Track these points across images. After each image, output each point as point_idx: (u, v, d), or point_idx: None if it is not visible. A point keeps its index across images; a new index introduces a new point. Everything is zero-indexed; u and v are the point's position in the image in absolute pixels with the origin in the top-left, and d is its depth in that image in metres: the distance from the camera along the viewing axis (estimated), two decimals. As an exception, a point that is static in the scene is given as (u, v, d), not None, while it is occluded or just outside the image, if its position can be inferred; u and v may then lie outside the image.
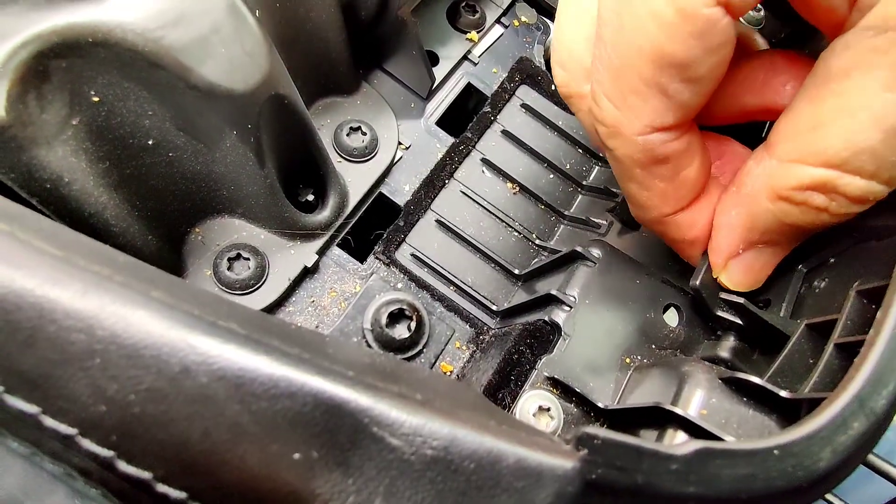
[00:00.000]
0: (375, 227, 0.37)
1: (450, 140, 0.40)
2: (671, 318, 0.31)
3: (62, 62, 0.23)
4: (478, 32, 0.42)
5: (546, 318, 0.30)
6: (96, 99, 0.25)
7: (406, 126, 0.39)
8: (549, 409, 0.28)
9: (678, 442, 0.23)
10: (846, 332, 0.23)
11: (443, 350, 0.34)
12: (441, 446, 0.15)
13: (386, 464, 0.15)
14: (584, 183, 0.40)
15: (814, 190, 0.23)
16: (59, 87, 0.24)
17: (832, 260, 0.28)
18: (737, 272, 0.27)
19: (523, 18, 0.44)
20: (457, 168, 0.39)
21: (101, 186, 0.26)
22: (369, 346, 0.32)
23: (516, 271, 0.37)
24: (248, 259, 0.32)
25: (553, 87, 0.41)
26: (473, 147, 0.40)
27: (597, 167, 0.41)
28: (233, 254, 0.32)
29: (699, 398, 0.24)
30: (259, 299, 0.32)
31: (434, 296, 0.36)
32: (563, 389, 0.28)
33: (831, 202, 0.23)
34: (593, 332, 0.29)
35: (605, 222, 0.37)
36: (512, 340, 0.31)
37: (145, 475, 0.15)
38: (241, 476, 0.15)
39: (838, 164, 0.22)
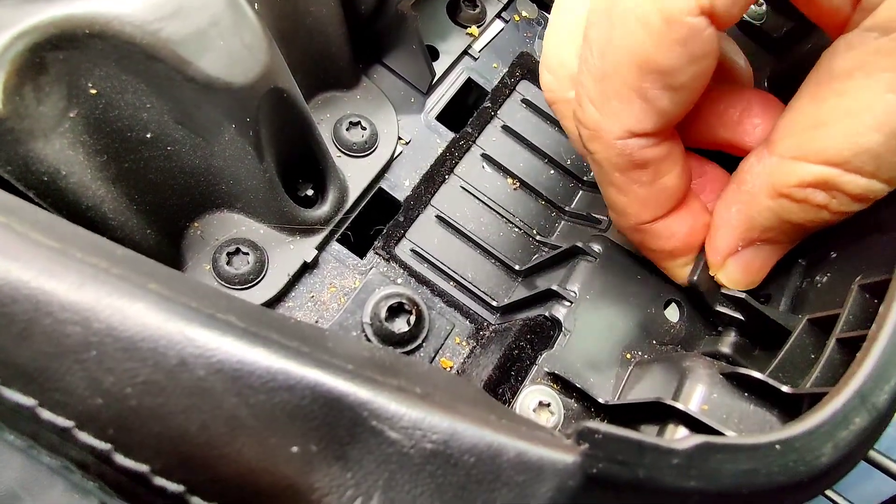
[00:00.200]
0: (375, 223, 0.37)
1: (450, 135, 0.39)
2: (672, 313, 0.31)
3: (59, 54, 0.23)
4: (478, 27, 0.42)
5: (546, 314, 0.30)
6: (94, 91, 0.25)
7: (406, 121, 0.39)
8: (549, 405, 0.27)
9: (679, 437, 0.23)
10: (848, 326, 0.23)
11: (442, 345, 0.34)
12: (441, 440, 0.15)
13: (385, 457, 0.15)
14: (585, 178, 0.40)
15: (814, 187, 0.23)
16: (57, 80, 0.23)
17: (833, 254, 0.27)
18: (735, 270, 0.27)
19: (524, 13, 0.44)
20: (457, 163, 0.39)
21: (99, 180, 0.26)
22: (368, 340, 0.32)
23: (517, 267, 0.37)
24: (247, 254, 0.32)
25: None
26: (474, 142, 0.39)
27: (597, 163, 0.41)
28: (232, 248, 0.32)
29: (700, 393, 0.23)
30: (258, 294, 0.32)
31: (434, 291, 0.36)
32: (563, 385, 0.28)
33: (832, 199, 0.23)
34: (594, 327, 0.29)
35: (605, 218, 0.37)
36: (512, 336, 0.31)
37: (143, 468, 0.14)
38: (240, 469, 0.14)
39: (839, 164, 0.22)
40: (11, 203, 0.18)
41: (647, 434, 0.24)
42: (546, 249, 0.38)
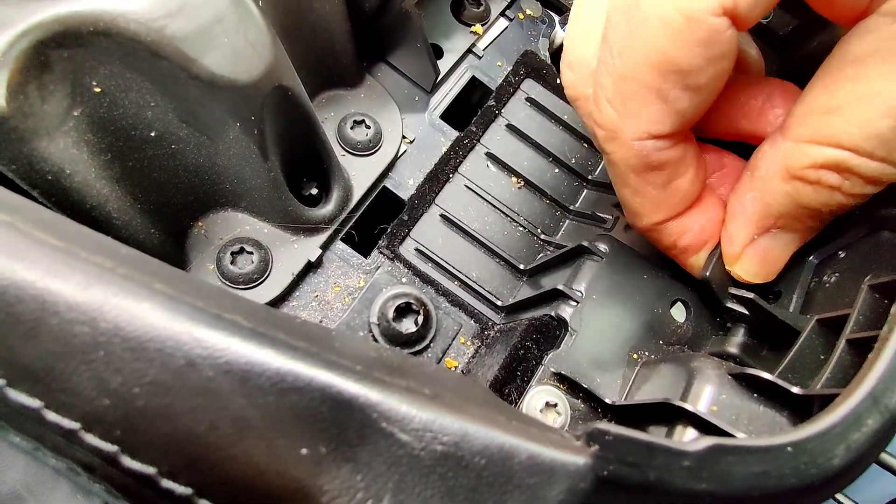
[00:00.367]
0: (379, 222, 0.37)
1: (454, 134, 0.39)
2: (678, 313, 0.30)
3: (63, 52, 0.23)
4: (482, 25, 0.42)
5: (552, 314, 0.30)
6: (98, 90, 0.24)
7: (410, 119, 0.39)
8: (555, 405, 0.27)
9: (688, 438, 0.23)
10: (858, 327, 0.23)
11: (449, 345, 0.34)
12: (452, 442, 0.15)
13: (395, 459, 0.15)
14: (590, 177, 0.40)
15: (827, 169, 0.23)
16: (61, 78, 0.23)
17: (842, 254, 0.27)
18: (751, 262, 0.27)
19: (528, 11, 0.44)
20: (461, 162, 0.39)
21: (103, 179, 0.26)
22: (375, 340, 0.32)
23: (521, 266, 0.37)
24: (251, 253, 0.32)
25: (558, 81, 0.41)
26: (478, 141, 0.39)
27: (602, 162, 0.40)
28: (236, 248, 0.32)
29: (709, 394, 0.23)
30: (262, 294, 0.32)
31: (438, 291, 0.35)
32: (569, 385, 0.28)
33: (845, 181, 0.23)
34: (600, 327, 0.29)
35: (611, 217, 0.37)
36: (518, 336, 0.30)
37: (150, 470, 0.14)
38: (248, 471, 0.14)
39: (851, 148, 0.22)
40: (15, 202, 0.18)
41: (654, 435, 0.24)
42: (551, 249, 0.38)
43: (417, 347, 0.33)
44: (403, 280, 0.35)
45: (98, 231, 0.19)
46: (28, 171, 0.23)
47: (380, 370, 0.16)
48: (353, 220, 0.36)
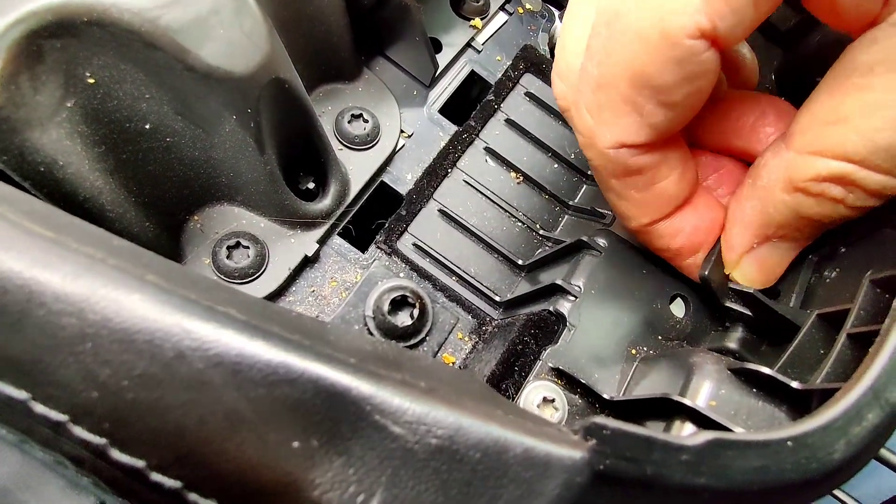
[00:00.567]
0: (377, 217, 0.37)
1: (453, 128, 0.39)
2: (678, 308, 0.30)
3: (56, 42, 0.22)
4: (482, 19, 0.41)
5: (551, 309, 0.30)
6: (92, 81, 0.24)
7: (408, 114, 0.39)
8: (553, 401, 0.27)
9: (686, 434, 0.23)
10: (859, 322, 0.22)
11: (446, 339, 0.34)
12: (446, 435, 0.14)
13: (388, 453, 0.14)
14: (589, 173, 0.40)
15: (831, 182, 0.23)
16: (54, 68, 0.23)
17: (843, 249, 0.27)
18: (750, 269, 0.27)
19: (528, 6, 0.43)
20: (460, 157, 0.38)
21: (97, 171, 0.26)
22: (371, 333, 0.32)
23: (520, 262, 0.36)
24: (247, 247, 0.32)
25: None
26: (477, 136, 0.39)
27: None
28: (232, 242, 0.32)
29: (708, 389, 0.23)
30: (259, 288, 0.32)
31: (436, 286, 0.35)
32: (567, 380, 0.28)
33: (848, 194, 0.23)
34: (599, 322, 0.29)
35: (609, 213, 0.36)
36: (516, 331, 0.30)
37: (139, 463, 0.14)
38: (239, 465, 0.14)
39: (856, 160, 0.22)
40: (5, 192, 0.18)
41: (653, 430, 0.23)
42: (549, 244, 0.38)
43: (413, 341, 0.32)
44: (401, 275, 0.35)
45: (91, 224, 0.18)
46: (20, 162, 0.23)
47: (374, 363, 0.16)
48: (351, 215, 0.35)
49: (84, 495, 0.19)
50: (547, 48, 0.43)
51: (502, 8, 0.43)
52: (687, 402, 0.22)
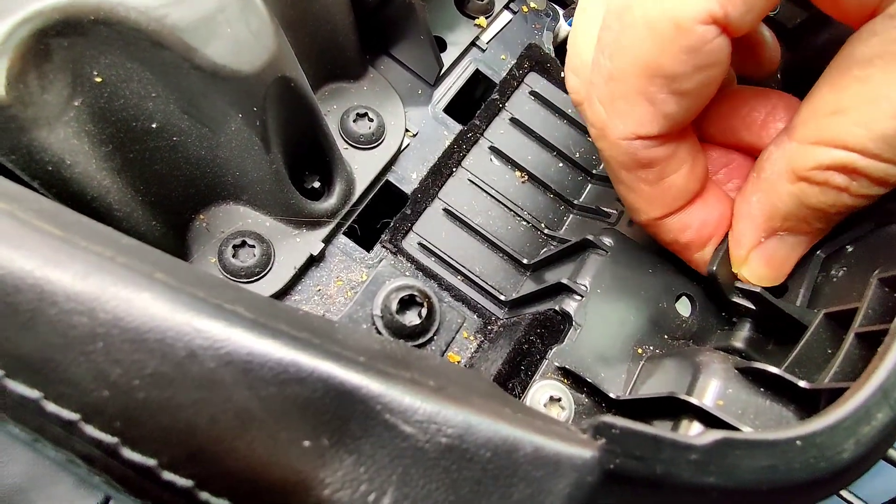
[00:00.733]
0: (382, 216, 0.37)
1: (458, 127, 0.39)
2: (684, 307, 0.30)
3: (64, 41, 0.22)
4: (486, 18, 0.41)
5: (556, 308, 0.30)
6: (99, 79, 0.24)
7: (413, 113, 0.39)
8: (559, 400, 0.27)
9: (693, 433, 0.23)
10: (867, 321, 0.22)
11: (453, 339, 0.34)
12: (456, 434, 0.14)
13: (399, 452, 0.14)
14: (594, 172, 0.40)
15: (834, 170, 0.23)
16: (61, 67, 0.23)
17: (850, 248, 0.27)
18: (758, 264, 0.27)
19: (532, 4, 0.43)
20: (465, 156, 0.38)
21: (104, 170, 0.26)
22: (379, 332, 0.32)
23: (525, 261, 0.36)
24: (253, 246, 0.32)
25: (562, 75, 0.41)
26: (481, 135, 0.39)
27: (607, 155, 0.40)
28: (238, 241, 0.32)
29: (715, 388, 0.23)
30: (264, 288, 0.32)
31: (441, 285, 0.35)
32: (574, 380, 0.28)
33: (852, 182, 0.23)
34: (605, 321, 0.29)
35: (615, 211, 0.36)
36: (522, 330, 0.30)
37: (150, 462, 0.14)
38: (250, 463, 0.14)
39: (857, 150, 0.22)
40: (14, 191, 0.18)
41: (660, 430, 0.23)
42: (555, 243, 0.38)
43: (421, 340, 0.32)
44: (406, 274, 0.35)
45: (98, 223, 0.18)
46: (28, 161, 0.23)
47: (383, 362, 0.16)
48: (356, 214, 0.35)
49: (96, 494, 0.19)
50: (551, 47, 0.43)
51: (507, 6, 0.43)
52: (694, 401, 0.22)
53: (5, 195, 0.16)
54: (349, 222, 0.35)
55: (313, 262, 0.34)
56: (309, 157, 0.34)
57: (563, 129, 0.40)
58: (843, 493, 0.36)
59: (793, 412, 0.23)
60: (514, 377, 0.28)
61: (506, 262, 0.37)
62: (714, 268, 0.27)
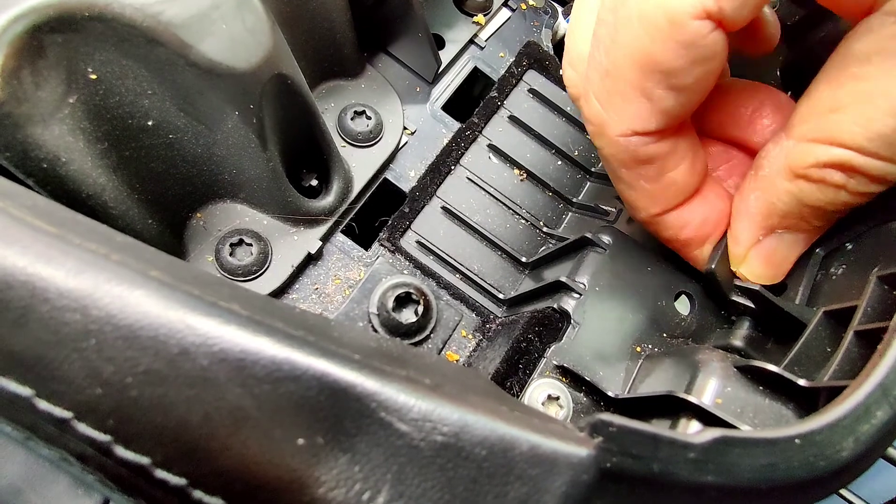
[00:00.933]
0: (380, 214, 0.36)
1: (456, 125, 0.39)
2: (683, 306, 0.30)
3: (58, 37, 0.22)
4: (485, 16, 0.41)
5: (555, 306, 0.29)
6: (94, 76, 0.24)
7: (411, 111, 0.38)
8: (558, 398, 0.27)
9: (692, 431, 0.22)
10: (866, 319, 0.22)
11: (450, 337, 0.33)
12: (451, 432, 0.14)
13: (394, 450, 0.14)
14: (593, 170, 0.39)
15: (831, 168, 0.23)
16: (56, 64, 0.23)
17: (849, 246, 0.27)
18: (757, 263, 0.26)
19: (531, 2, 0.43)
20: (463, 154, 0.38)
21: (100, 168, 0.26)
22: (375, 330, 0.32)
23: (523, 259, 0.36)
24: (250, 245, 0.32)
25: (561, 73, 0.41)
26: (480, 133, 0.39)
27: (605, 153, 0.40)
28: (235, 239, 0.32)
29: (714, 387, 0.23)
30: (262, 286, 0.32)
31: (440, 283, 0.35)
32: (572, 378, 0.28)
33: (849, 180, 0.23)
34: (603, 319, 0.29)
35: (614, 209, 0.36)
36: (520, 328, 0.30)
37: (144, 460, 0.14)
38: (243, 462, 0.14)
39: (855, 148, 0.22)
40: (8, 188, 0.18)
41: (659, 428, 0.23)
42: (553, 241, 0.37)
43: (418, 338, 0.32)
44: (404, 272, 0.35)
45: (93, 220, 0.18)
46: (22, 158, 0.23)
47: (379, 359, 0.16)
48: (354, 212, 0.35)
49: (92, 495, 0.18)
50: (550, 44, 0.43)
51: (505, 4, 0.42)
52: (693, 399, 0.22)
53: (-2, 192, 0.16)
54: (347, 220, 0.35)
55: (311, 260, 0.34)
56: (306, 155, 0.34)
57: (561, 127, 0.40)
58: (844, 492, 0.36)
59: (792, 410, 0.22)
60: (513, 376, 0.28)
61: (504, 261, 0.37)
62: (713, 266, 0.27)
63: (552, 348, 0.28)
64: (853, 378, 0.19)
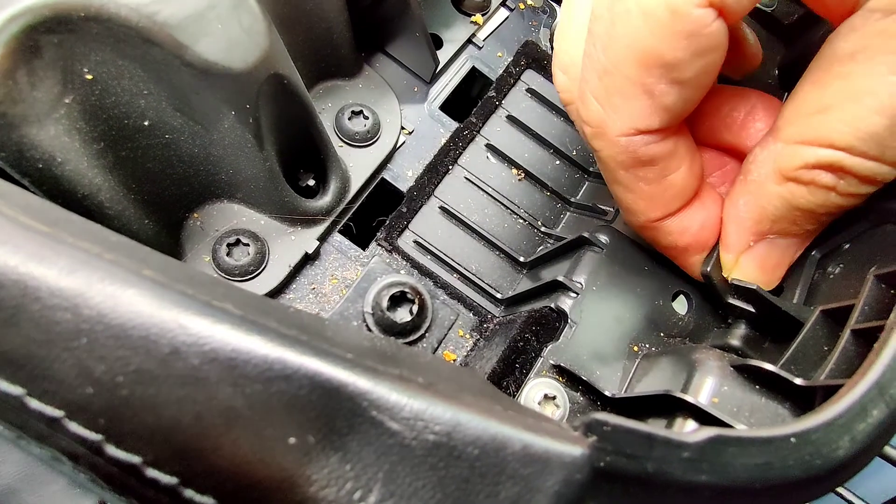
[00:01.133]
0: (377, 214, 0.36)
1: (454, 125, 0.39)
2: (680, 305, 0.30)
3: (54, 37, 0.22)
4: (483, 15, 0.41)
5: (552, 305, 0.29)
6: (90, 77, 0.24)
7: (409, 110, 0.38)
8: (554, 398, 0.27)
9: (688, 430, 0.22)
10: (863, 317, 0.22)
11: (445, 336, 0.33)
12: (443, 431, 0.14)
13: (385, 449, 0.14)
14: (591, 169, 0.39)
15: (820, 169, 0.22)
16: (51, 64, 0.23)
17: (846, 245, 0.27)
18: (749, 268, 0.26)
19: (529, 1, 0.43)
20: (461, 154, 0.38)
21: (96, 168, 0.26)
22: (370, 329, 0.32)
23: (521, 259, 0.36)
24: (247, 245, 0.32)
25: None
26: (478, 132, 0.39)
27: (604, 153, 0.40)
28: (232, 239, 0.32)
29: (710, 386, 0.23)
30: (259, 286, 0.32)
31: (437, 283, 0.35)
32: (569, 378, 0.28)
33: (839, 181, 0.22)
34: (600, 319, 0.29)
35: (611, 209, 0.36)
36: (517, 328, 0.30)
37: (135, 459, 0.14)
38: (235, 461, 0.14)
39: (843, 148, 0.21)
40: (2, 187, 0.18)
41: (654, 427, 0.23)
42: (551, 241, 0.37)
43: (412, 337, 0.32)
44: (401, 272, 0.35)
45: (88, 220, 0.18)
46: (18, 158, 0.23)
47: (372, 358, 0.16)
48: (351, 212, 0.35)
49: (87, 494, 0.18)
50: (548, 44, 0.42)
51: (503, 4, 0.42)
52: (689, 398, 0.22)
53: (-9, 191, 0.16)
54: (344, 220, 0.35)
55: (308, 260, 0.33)
56: (304, 155, 0.34)
57: (559, 127, 0.40)
58: (843, 492, 0.35)
59: (788, 409, 0.22)
60: (509, 375, 0.28)
61: (502, 260, 0.37)
62: (708, 269, 0.27)
63: (549, 348, 0.28)
64: (850, 377, 0.19)
